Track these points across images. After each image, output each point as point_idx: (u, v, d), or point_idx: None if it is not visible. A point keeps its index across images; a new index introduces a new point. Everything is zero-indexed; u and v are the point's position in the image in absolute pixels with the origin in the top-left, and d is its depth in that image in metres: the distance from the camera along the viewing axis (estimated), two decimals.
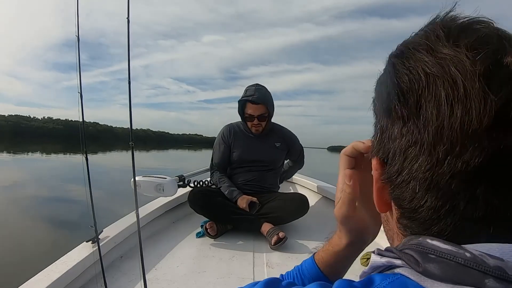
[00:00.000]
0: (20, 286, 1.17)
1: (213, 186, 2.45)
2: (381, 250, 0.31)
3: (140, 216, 1.43)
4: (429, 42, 0.27)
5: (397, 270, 0.27)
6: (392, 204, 0.32)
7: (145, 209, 2.18)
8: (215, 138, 2.56)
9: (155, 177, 2.18)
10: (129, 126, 1.32)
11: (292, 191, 3.28)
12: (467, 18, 0.28)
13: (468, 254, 0.23)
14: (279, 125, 2.55)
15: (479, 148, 0.23)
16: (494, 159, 0.23)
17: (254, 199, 2.22)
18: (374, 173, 0.32)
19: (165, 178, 2.18)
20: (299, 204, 2.23)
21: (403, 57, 0.29)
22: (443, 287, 0.23)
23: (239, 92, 2.45)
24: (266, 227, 2.07)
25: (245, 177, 2.40)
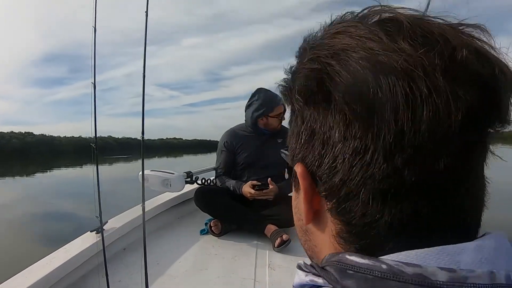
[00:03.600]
0: (21, 271, 1.18)
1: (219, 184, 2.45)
2: (306, 265, 0.29)
3: (145, 210, 1.44)
4: (366, 44, 0.23)
5: None
6: (330, 219, 0.28)
7: (151, 203, 2.19)
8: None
9: (162, 172, 2.18)
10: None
11: None
12: (384, 9, 0.25)
13: (384, 266, 0.22)
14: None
15: (448, 152, 0.22)
16: (464, 162, 0.22)
17: (254, 182, 2.21)
18: (302, 182, 0.28)
19: (173, 174, 2.18)
20: None
21: (340, 59, 0.24)
22: None
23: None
24: (270, 228, 2.06)
25: (254, 177, 2.36)
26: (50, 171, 23.49)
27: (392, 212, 0.23)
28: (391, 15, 0.24)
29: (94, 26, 1.29)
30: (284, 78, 0.30)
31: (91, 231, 1.59)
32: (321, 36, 0.27)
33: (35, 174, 20.53)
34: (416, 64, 0.21)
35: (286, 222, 2.16)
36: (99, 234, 1.48)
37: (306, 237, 0.33)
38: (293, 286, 0.30)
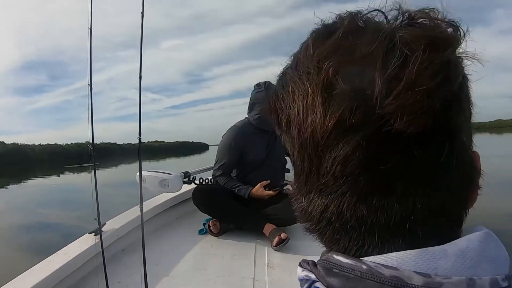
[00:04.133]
0: (20, 275, 1.18)
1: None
2: (304, 262, 0.31)
3: (144, 211, 1.44)
4: (298, 57, 0.28)
5: (316, 285, 0.28)
6: None
7: (149, 204, 2.18)
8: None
9: (160, 172, 2.18)
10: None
11: None
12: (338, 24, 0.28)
13: (364, 266, 0.24)
14: None
15: (330, 159, 0.24)
16: (345, 169, 0.24)
17: (265, 182, 2.18)
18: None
19: (170, 174, 2.18)
20: None
21: (281, 76, 0.30)
22: None
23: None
24: (268, 227, 2.06)
25: (261, 177, 2.27)
26: (24, 182, 22.27)
27: (317, 212, 0.27)
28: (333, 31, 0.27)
29: (90, 28, 1.29)
30: None
31: (89, 233, 1.59)
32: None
33: (8, 186, 19.25)
34: (310, 80, 0.25)
35: (284, 221, 2.15)
36: (98, 236, 1.48)
37: None
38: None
